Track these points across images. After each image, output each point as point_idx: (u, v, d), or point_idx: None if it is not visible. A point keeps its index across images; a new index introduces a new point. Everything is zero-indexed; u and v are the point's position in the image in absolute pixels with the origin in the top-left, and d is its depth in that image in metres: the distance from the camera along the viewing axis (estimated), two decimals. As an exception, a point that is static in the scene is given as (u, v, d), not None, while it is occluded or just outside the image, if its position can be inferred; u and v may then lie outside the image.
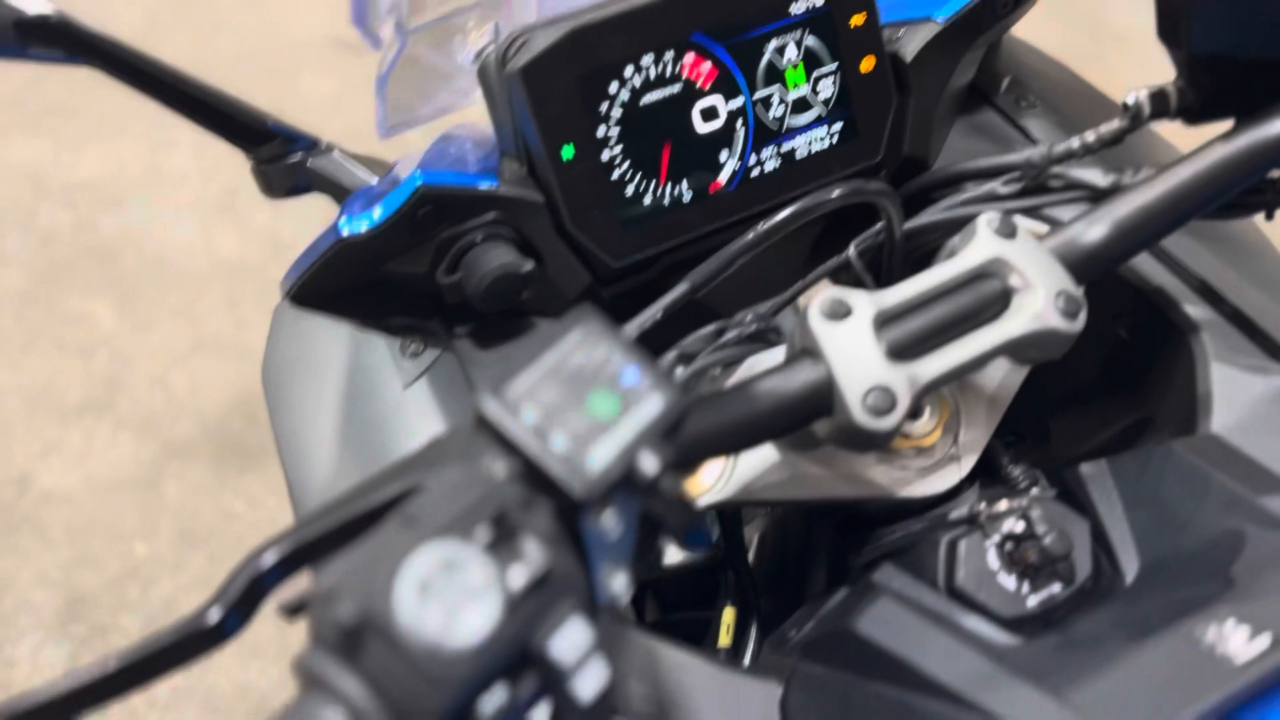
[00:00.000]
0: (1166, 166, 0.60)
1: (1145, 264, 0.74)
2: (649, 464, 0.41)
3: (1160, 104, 0.62)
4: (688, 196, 0.72)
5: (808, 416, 0.55)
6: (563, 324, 0.44)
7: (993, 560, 0.59)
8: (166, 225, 2.42)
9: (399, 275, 0.69)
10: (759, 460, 0.64)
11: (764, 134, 0.73)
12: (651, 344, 0.69)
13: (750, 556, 0.86)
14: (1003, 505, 0.61)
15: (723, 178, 0.73)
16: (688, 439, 0.50)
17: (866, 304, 0.55)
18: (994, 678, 0.49)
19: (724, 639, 0.75)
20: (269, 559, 0.44)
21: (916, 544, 0.62)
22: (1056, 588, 0.58)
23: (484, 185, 0.67)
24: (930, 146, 0.79)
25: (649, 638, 0.59)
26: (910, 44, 0.76)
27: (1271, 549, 0.52)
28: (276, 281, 0.75)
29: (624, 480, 0.41)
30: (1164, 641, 0.48)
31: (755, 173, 0.74)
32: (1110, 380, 0.81)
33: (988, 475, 0.70)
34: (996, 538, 0.60)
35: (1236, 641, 0.47)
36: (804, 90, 0.74)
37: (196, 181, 2.50)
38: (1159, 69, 0.66)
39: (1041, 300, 0.56)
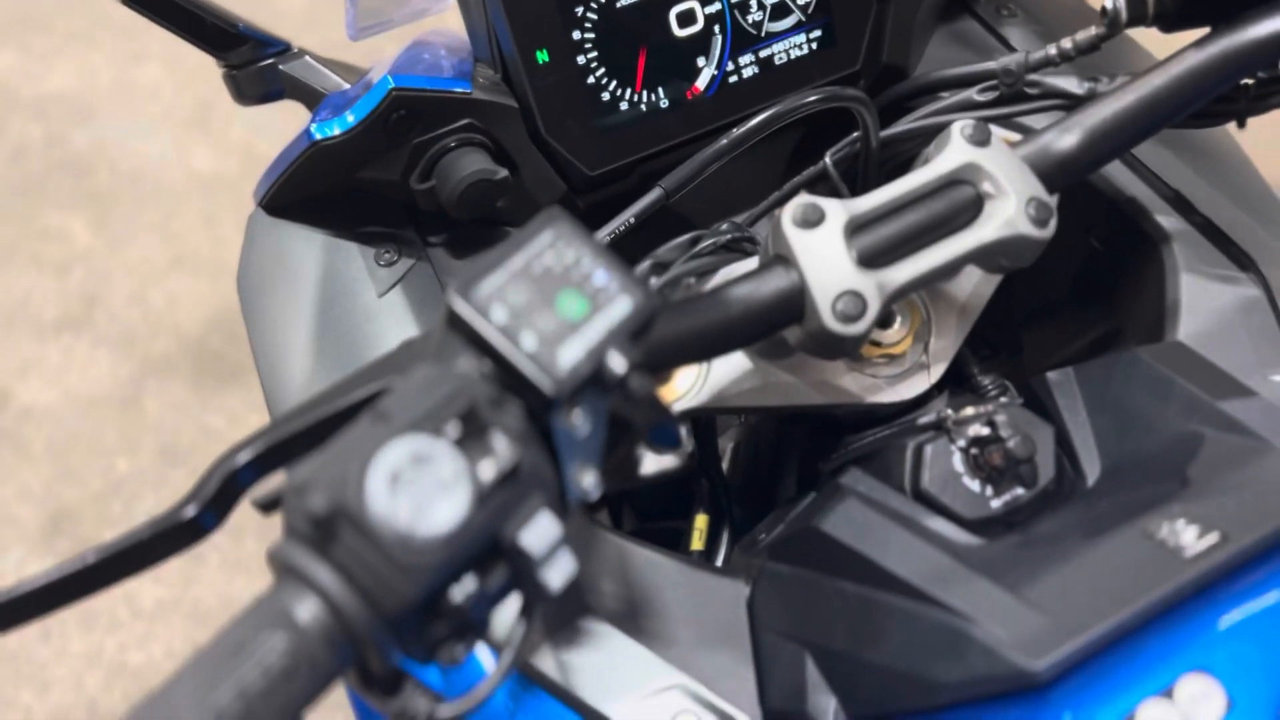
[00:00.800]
0: (1140, 74, 0.60)
1: (1119, 174, 0.74)
2: (617, 363, 0.42)
3: (1137, 9, 0.61)
4: (665, 104, 0.72)
5: (779, 322, 0.55)
6: (533, 225, 0.44)
7: (958, 464, 0.60)
8: (140, 139, 2.38)
9: (372, 182, 0.69)
10: (732, 368, 0.65)
11: (742, 39, 0.73)
12: (627, 254, 0.69)
13: (724, 465, 0.87)
14: (969, 411, 0.62)
15: (700, 84, 0.73)
16: (658, 343, 0.50)
17: (839, 211, 0.55)
18: (954, 574, 0.51)
19: (696, 543, 0.76)
20: (243, 457, 0.45)
21: (884, 449, 0.63)
22: (1019, 490, 0.60)
23: (457, 89, 0.67)
24: (910, 55, 0.79)
25: (621, 538, 0.60)
26: None
27: (1227, 451, 0.54)
28: (252, 198, 0.74)
29: (592, 379, 0.42)
30: (1119, 538, 0.50)
31: (733, 79, 0.73)
32: (1082, 291, 0.82)
33: (958, 384, 0.72)
34: (962, 442, 0.61)
35: (1187, 538, 0.48)
36: (783, -5, 0.73)
37: (169, 94, 2.46)
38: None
39: (1013, 207, 0.57)
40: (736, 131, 0.68)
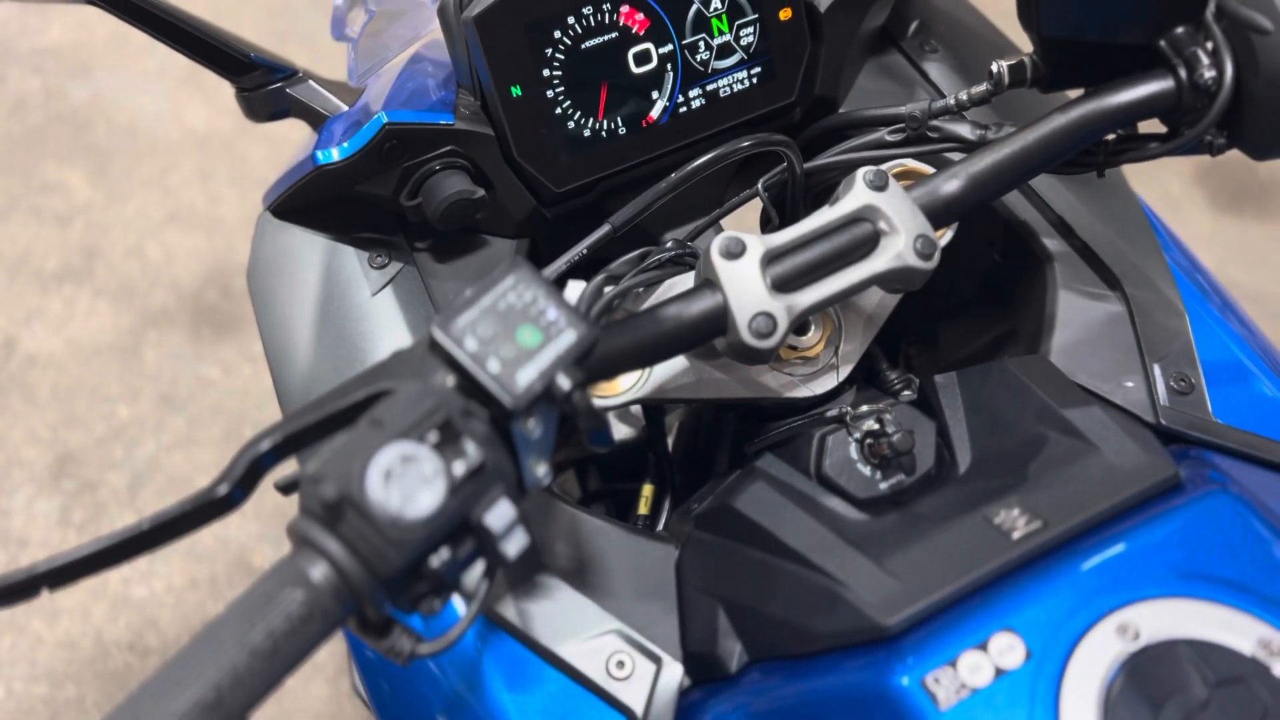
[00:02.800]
0: (1017, 130, 0.71)
1: (1014, 199, 0.85)
2: (564, 382, 0.54)
3: (1018, 74, 0.72)
4: (623, 130, 0.83)
5: (706, 335, 0.67)
6: (500, 271, 0.55)
7: (853, 452, 0.73)
8: (136, 94, 2.46)
9: (368, 196, 0.79)
10: (672, 366, 0.76)
11: (691, 76, 0.83)
12: (595, 259, 0.80)
13: (671, 440, 0.99)
14: (865, 407, 0.74)
15: (654, 113, 0.83)
16: (605, 357, 0.62)
17: (757, 245, 0.67)
18: (834, 546, 0.63)
19: (642, 509, 0.89)
20: (265, 445, 0.56)
21: (796, 437, 0.76)
22: (902, 476, 0.72)
23: (441, 121, 0.77)
24: (840, 87, 0.90)
25: (574, 509, 0.72)
26: None
27: (1063, 451, 0.66)
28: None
29: (544, 395, 0.54)
30: (966, 520, 0.62)
31: (683, 109, 0.84)
32: (987, 296, 0.94)
33: (868, 381, 0.84)
34: (857, 434, 0.73)
35: (1017, 523, 0.61)
36: (727, 37, 0.83)
37: (164, 51, 2.51)
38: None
39: (903, 243, 0.68)
40: (677, 175, 0.79)
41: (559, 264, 0.75)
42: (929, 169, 0.83)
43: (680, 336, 0.66)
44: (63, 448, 1.94)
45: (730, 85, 0.85)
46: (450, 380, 0.54)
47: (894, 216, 0.69)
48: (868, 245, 0.69)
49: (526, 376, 0.53)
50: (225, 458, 1.91)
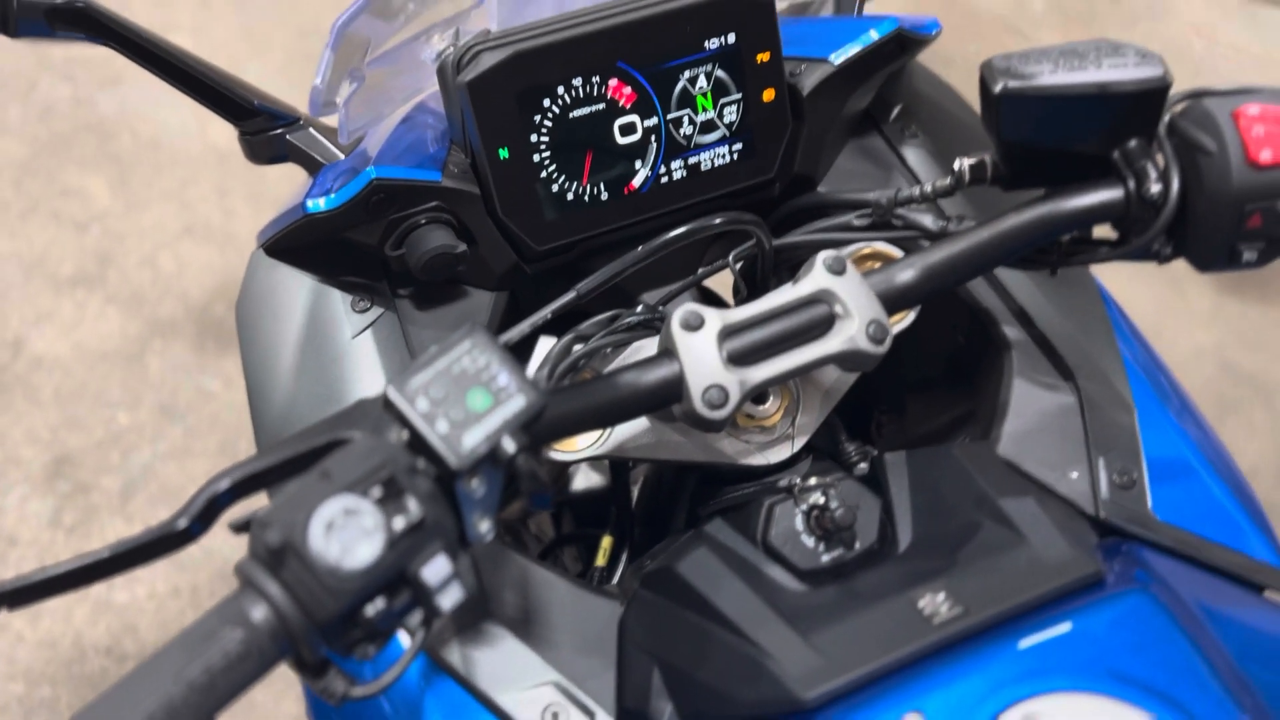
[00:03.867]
0: (974, 225, 0.74)
1: (978, 286, 0.88)
2: (509, 446, 0.57)
3: (979, 173, 0.75)
4: (605, 196, 0.86)
5: (662, 402, 0.70)
6: (456, 336, 0.59)
7: (799, 523, 0.75)
8: (162, 108, 2.52)
9: (354, 243, 0.83)
10: (633, 425, 0.79)
11: (674, 148, 0.87)
12: (573, 315, 0.84)
13: (636, 492, 1.02)
14: (812, 480, 0.77)
15: (637, 182, 0.87)
16: (558, 420, 0.65)
17: (715, 319, 0.70)
18: (765, 617, 0.66)
19: (600, 560, 0.92)
20: (224, 484, 0.59)
21: (746, 503, 0.78)
22: (842, 549, 0.75)
23: (428, 178, 0.81)
24: (819, 167, 0.93)
25: (524, 559, 0.75)
26: (807, 80, 0.89)
27: (994, 541, 0.68)
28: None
29: (489, 457, 0.57)
30: (893, 601, 0.65)
31: (665, 180, 0.87)
32: (950, 376, 0.96)
33: (826, 452, 0.86)
34: (804, 505, 0.75)
35: (940, 608, 0.63)
36: (711, 114, 0.87)
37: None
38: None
39: (855, 327, 0.71)
40: (644, 248, 0.82)
41: (523, 327, 0.78)
42: (898, 253, 0.87)
43: (635, 402, 0.69)
44: (61, 449, 1.98)
45: (712, 159, 0.88)
46: (402, 437, 0.57)
47: (849, 301, 0.71)
48: (822, 326, 0.72)
49: (472, 439, 0.56)
50: (218, 470, 1.93)
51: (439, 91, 0.90)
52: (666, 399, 0.70)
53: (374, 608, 0.53)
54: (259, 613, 0.52)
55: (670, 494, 0.93)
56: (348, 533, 0.52)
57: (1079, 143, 0.72)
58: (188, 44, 0.85)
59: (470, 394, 0.57)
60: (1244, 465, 2.44)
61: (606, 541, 0.92)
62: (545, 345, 0.81)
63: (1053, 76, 0.69)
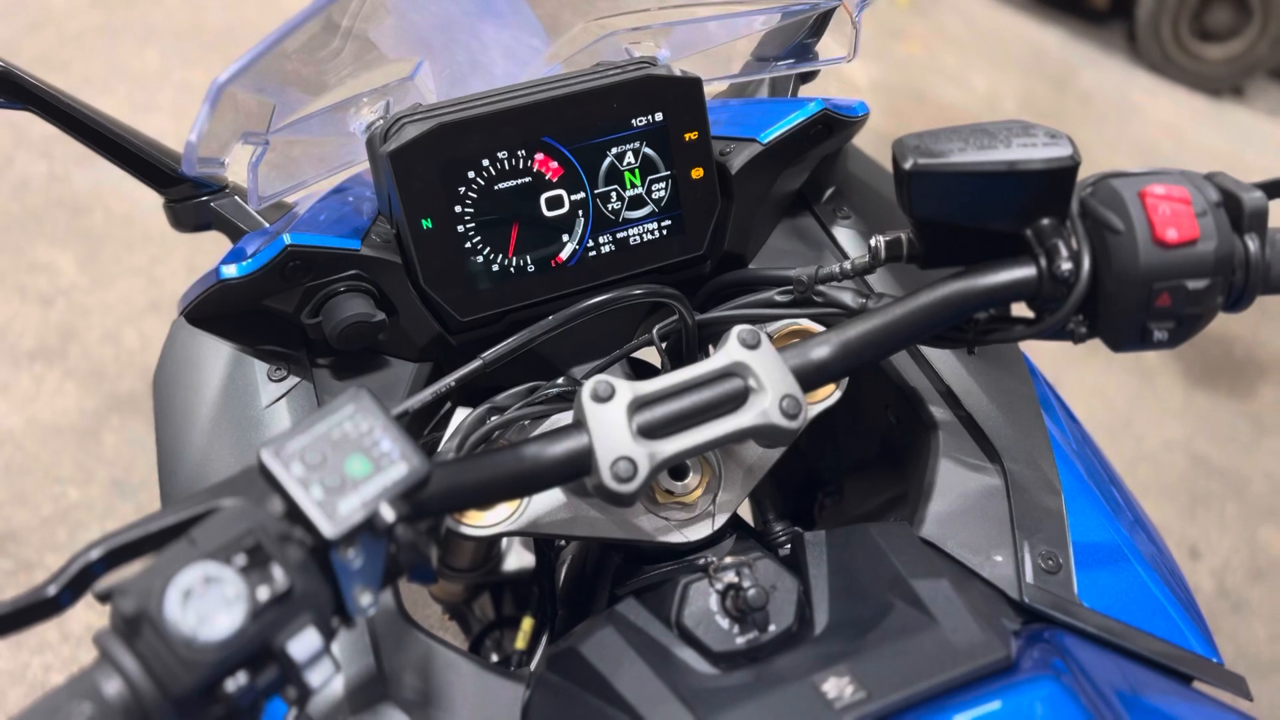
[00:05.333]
0: (890, 302, 0.74)
1: (906, 366, 0.88)
2: (387, 514, 0.55)
3: (894, 250, 0.75)
4: (531, 268, 0.85)
5: (570, 475, 0.68)
6: (338, 400, 0.57)
7: (714, 604, 0.73)
8: (136, 185, 2.52)
9: (271, 311, 0.82)
10: (549, 499, 0.77)
11: (602, 223, 0.86)
12: (499, 379, 0.82)
13: (564, 571, 1.00)
14: (728, 559, 0.75)
15: (563, 255, 0.86)
16: (452, 490, 0.63)
17: (626, 390, 0.69)
18: (665, 702, 0.63)
19: (520, 643, 0.89)
20: (95, 553, 0.57)
21: (662, 582, 0.76)
22: (757, 632, 0.72)
23: (346, 246, 0.80)
24: (749, 244, 0.93)
25: (427, 637, 0.72)
26: (736, 159, 0.89)
27: (905, 623, 0.66)
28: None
29: (366, 525, 0.55)
30: (797, 687, 0.62)
31: (593, 254, 0.87)
32: (885, 455, 0.95)
33: (750, 532, 0.84)
34: (720, 585, 0.73)
35: (844, 692, 0.61)
36: (640, 190, 0.87)
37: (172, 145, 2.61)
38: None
39: (769, 401, 0.70)
40: (556, 316, 0.81)
41: (424, 395, 0.76)
42: (821, 329, 0.86)
43: (541, 474, 0.67)
44: (5, 525, 1.94)
45: (640, 234, 0.88)
46: (277, 504, 0.55)
47: (763, 375, 0.70)
48: (736, 401, 0.70)
49: (348, 506, 0.54)
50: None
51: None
52: (575, 471, 0.68)
53: (235, 683, 0.51)
54: (112, 686, 0.50)
55: (593, 573, 0.91)
56: (206, 601, 0.50)
57: (991, 220, 0.72)
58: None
59: (350, 460, 0.55)
60: (1214, 560, 2.42)
61: (527, 623, 0.89)
62: (460, 417, 0.79)
63: (962, 155, 0.69)
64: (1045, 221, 0.71)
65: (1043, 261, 0.70)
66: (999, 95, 3.87)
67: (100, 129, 0.81)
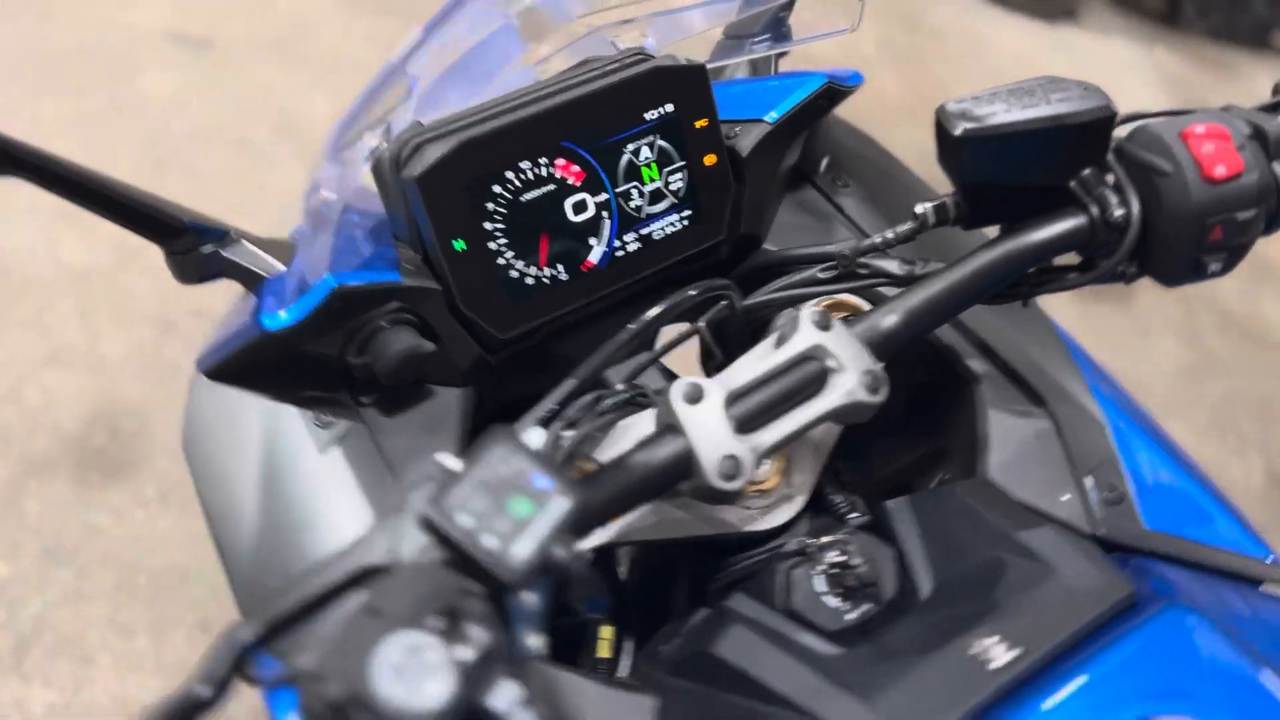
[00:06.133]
0: (947, 266, 0.75)
1: None
2: (561, 552, 0.54)
3: (942, 214, 0.77)
4: (564, 276, 0.84)
5: (673, 481, 0.68)
6: (484, 443, 0.56)
7: (819, 585, 0.74)
8: (7, 232, 2.37)
9: (313, 356, 0.78)
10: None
11: (627, 221, 0.86)
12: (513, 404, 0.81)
13: (622, 572, 0.99)
14: (824, 539, 0.76)
15: (593, 259, 0.85)
16: (585, 516, 0.62)
17: (716, 389, 0.69)
18: (820, 688, 0.64)
19: (603, 651, 0.88)
20: (247, 637, 0.54)
21: (759, 572, 0.77)
22: (868, 605, 0.74)
23: (387, 280, 0.77)
24: (763, 225, 0.93)
25: (550, 667, 0.71)
26: (745, 141, 0.89)
27: (1025, 576, 0.69)
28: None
29: (541, 565, 0.53)
30: (943, 654, 0.64)
31: (620, 253, 0.86)
32: (915, 415, 0.97)
33: (816, 505, 0.86)
34: (822, 567, 0.74)
35: (995, 653, 0.63)
36: (658, 184, 0.86)
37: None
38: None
39: (852, 379, 0.71)
40: (636, 324, 0.80)
41: (528, 420, 0.75)
42: (863, 303, 0.87)
43: (649, 485, 0.67)
44: (-63, 613, 1.81)
45: (663, 228, 0.87)
46: (438, 556, 0.54)
47: (841, 355, 0.71)
48: (818, 382, 0.71)
49: (523, 550, 0.53)
50: (119, 610, 1.81)
51: (363, 191, 0.87)
52: (677, 476, 0.68)
53: None
54: None
55: (667, 571, 0.91)
56: (414, 672, 0.48)
57: (1035, 177, 0.74)
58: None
59: (512, 502, 0.54)
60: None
61: (607, 632, 0.88)
62: (534, 438, 0.77)
63: (1007, 115, 0.71)
64: (1086, 171, 0.73)
65: (1094, 210, 0.72)
66: (857, 41, 3.96)
67: (95, 187, 0.75)
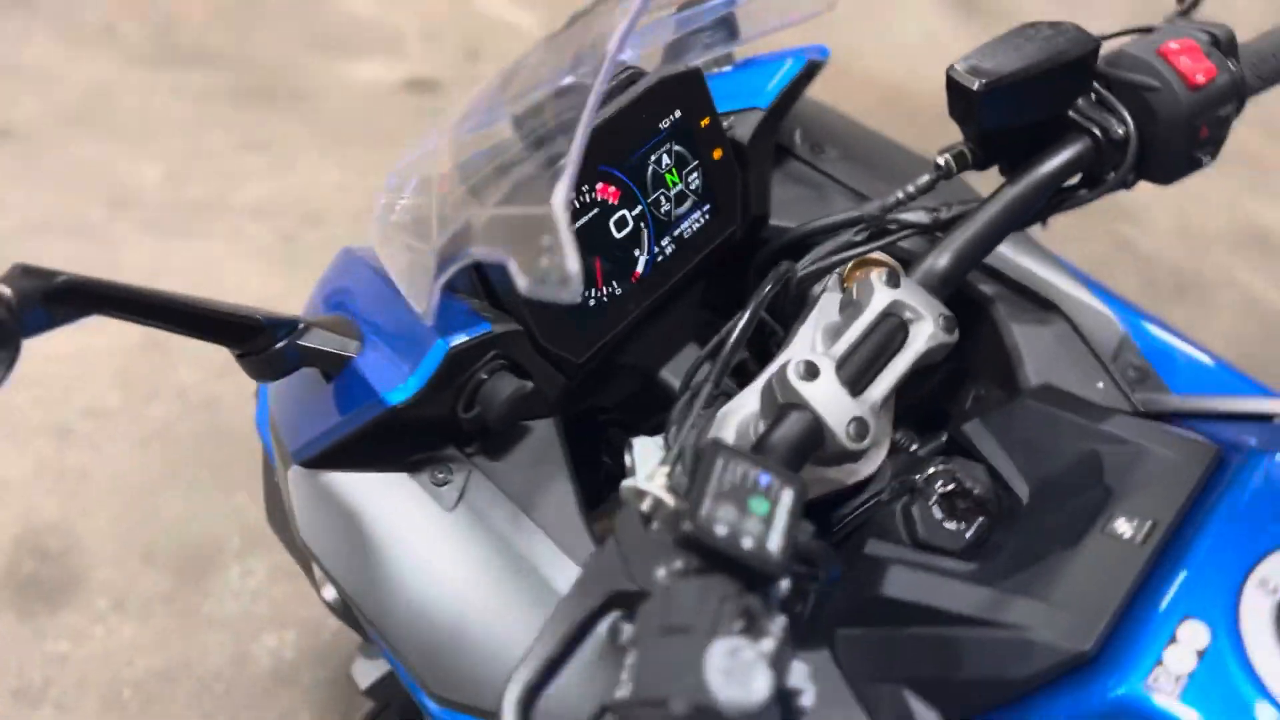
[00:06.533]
0: (980, 205, 0.84)
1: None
2: (804, 536, 0.59)
3: (962, 162, 0.85)
4: (618, 292, 0.89)
5: (808, 453, 0.74)
6: (708, 458, 0.60)
7: (937, 513, 0.82)
8: None
9: (426, 419, 0.80)
10: None
11: (661, 227, 0.91)
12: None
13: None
14: (929, 470, 0.83)
15: (640, 269, 0.90)
16: None
17: (825, 361, 0.75)
18: (994, 598, 0.72)
19: None
20: (529, 677, 0.58)
21: (875, 516, 0.84)
22: (981, 519, 0.82)
23: (483, 331, 0.80)
24: (767, 203, 1.00)
25: None
26: (744, 129, 0.95)
27: (1123, 460, 0.78)
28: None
29: (793, 552, 0.59)
30: (1089, 542, 0.72)
31: (660, 258, 0.91)
32: None
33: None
34: (935, 496, 0.82)
35: (1132, 529, 0.72)
36: (680, 186, 0.91)
37: None
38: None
39: (930, 324, 0.78)
40: (735, 329, 0.83)
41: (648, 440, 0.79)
42: (888, 259, 0.95)
43: (790, 464, 0.73)
44: (-84, 789, 1.69)
45: (690, 226, 0.93)
46: (696, 566, 0.58)
47: (915, 304, 0.79)
48: (900, 334, 0.79)
49: (776, 542, 0.58)
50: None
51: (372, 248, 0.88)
52: (811, 448, 0.74)
53: None
54: None
55: None
56: (739, 673, 0.53)
57: (1040, 113, 0.83)
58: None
59: (751, 503, 0.59)
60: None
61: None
62: (643, 447, 0.82)
63: (1013, 64, 0.79)
64: (1080, 101, 0.83)
65: (1096, 132, 0.82)
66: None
67: (174, 308, 0.74)
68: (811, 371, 0.74)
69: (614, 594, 0.60)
